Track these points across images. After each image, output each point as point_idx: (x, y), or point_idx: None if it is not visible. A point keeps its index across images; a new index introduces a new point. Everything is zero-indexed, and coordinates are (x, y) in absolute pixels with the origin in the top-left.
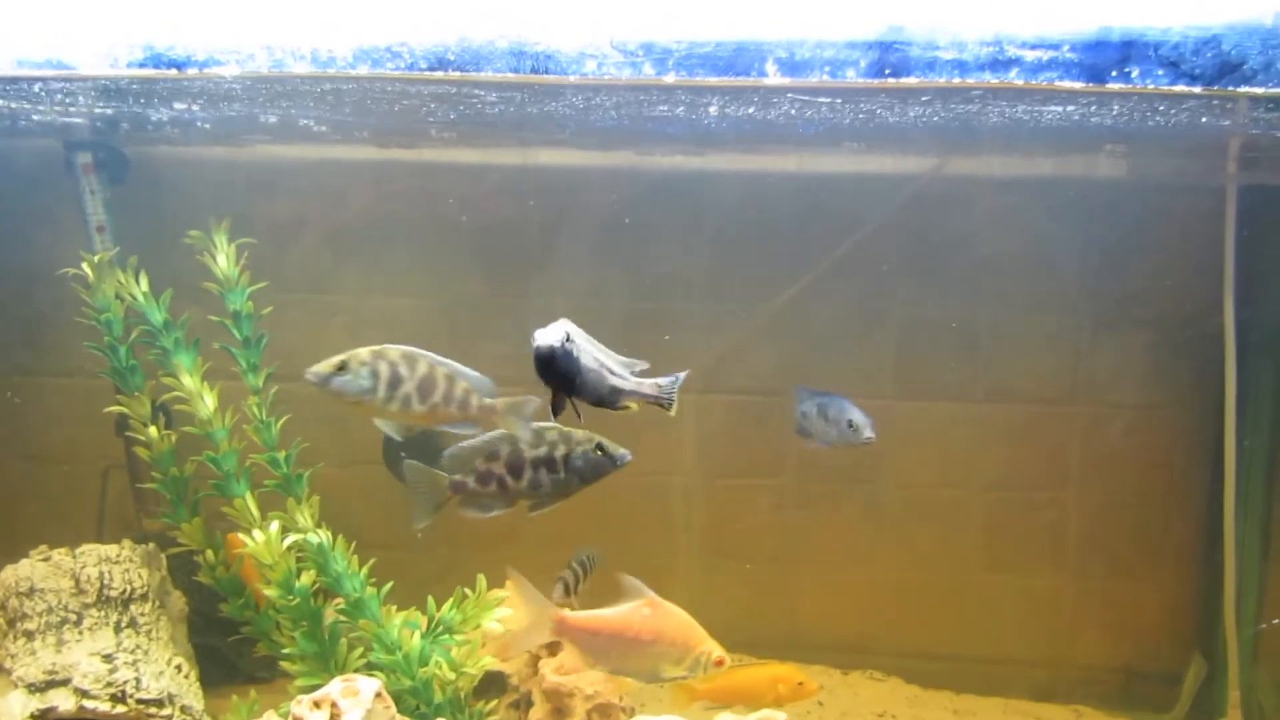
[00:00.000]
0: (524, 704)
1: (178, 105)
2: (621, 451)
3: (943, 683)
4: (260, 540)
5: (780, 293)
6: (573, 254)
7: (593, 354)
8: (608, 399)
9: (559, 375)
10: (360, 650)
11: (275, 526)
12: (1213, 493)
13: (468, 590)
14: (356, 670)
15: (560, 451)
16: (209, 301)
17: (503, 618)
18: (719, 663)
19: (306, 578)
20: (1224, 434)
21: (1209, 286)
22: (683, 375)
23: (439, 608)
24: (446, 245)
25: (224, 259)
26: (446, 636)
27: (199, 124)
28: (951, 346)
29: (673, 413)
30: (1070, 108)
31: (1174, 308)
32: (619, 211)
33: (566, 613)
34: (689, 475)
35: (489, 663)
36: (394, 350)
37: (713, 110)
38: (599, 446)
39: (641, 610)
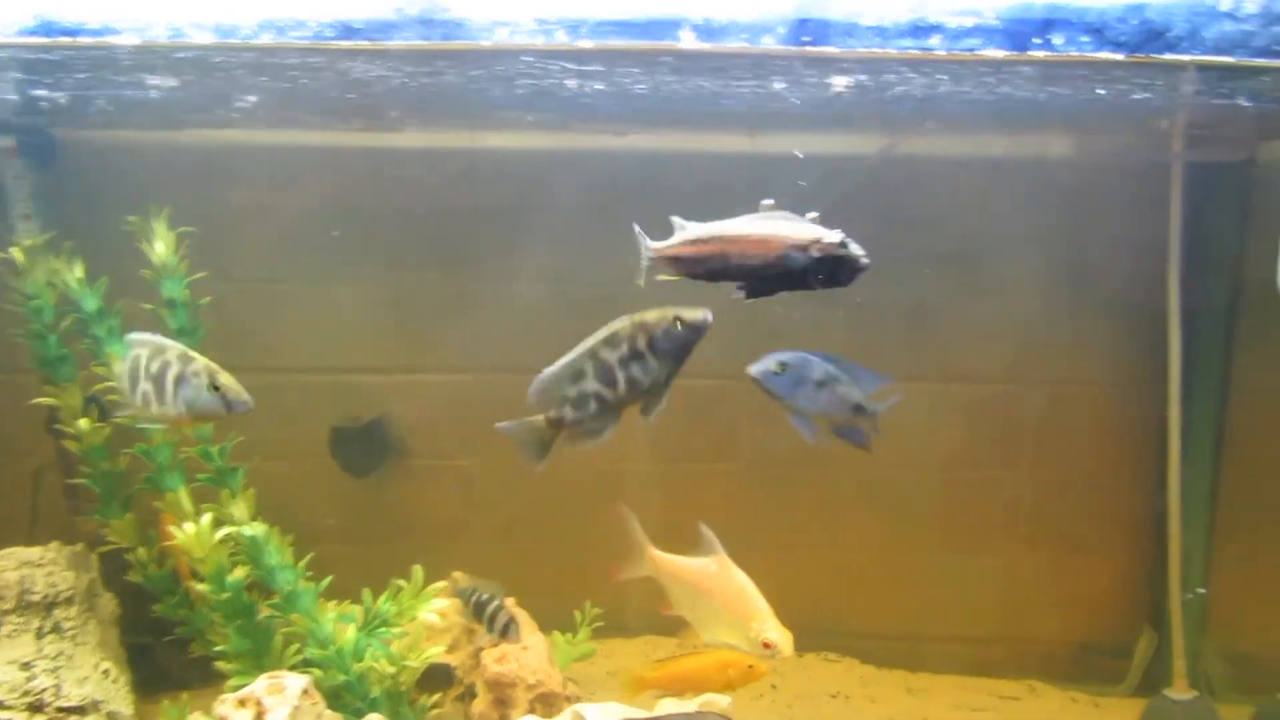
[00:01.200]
0: (468, 696)
1: (92, 82)
2: (700, 315)
3: (898, 662)
4: (191, 532)
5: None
6: (527, 239)
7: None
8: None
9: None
10: (296, 647)
11: (207, 519)
12: (1160, 468)
13: (403, 582)
14: (292, 667)
15: (642, 341)
16: (143, 291)
17: (440, 609)
18: (766, 645)
19: (239, 572)
20: (1168, 412)
21: (1156, 266)
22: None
23: (378, 601)
24: (396, 232)
25: (161, 246)
26: (384, 630)
27: (130, 105)
28: (904, 327)
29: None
30: (1015, 89)
31: (1123, 287)
32: (575, 195)
33: (656, 551)
34: (642, 462)
35: (432, 655)
36: None
37: (644, 86)
38: (676, 318)
39: (710, 566)
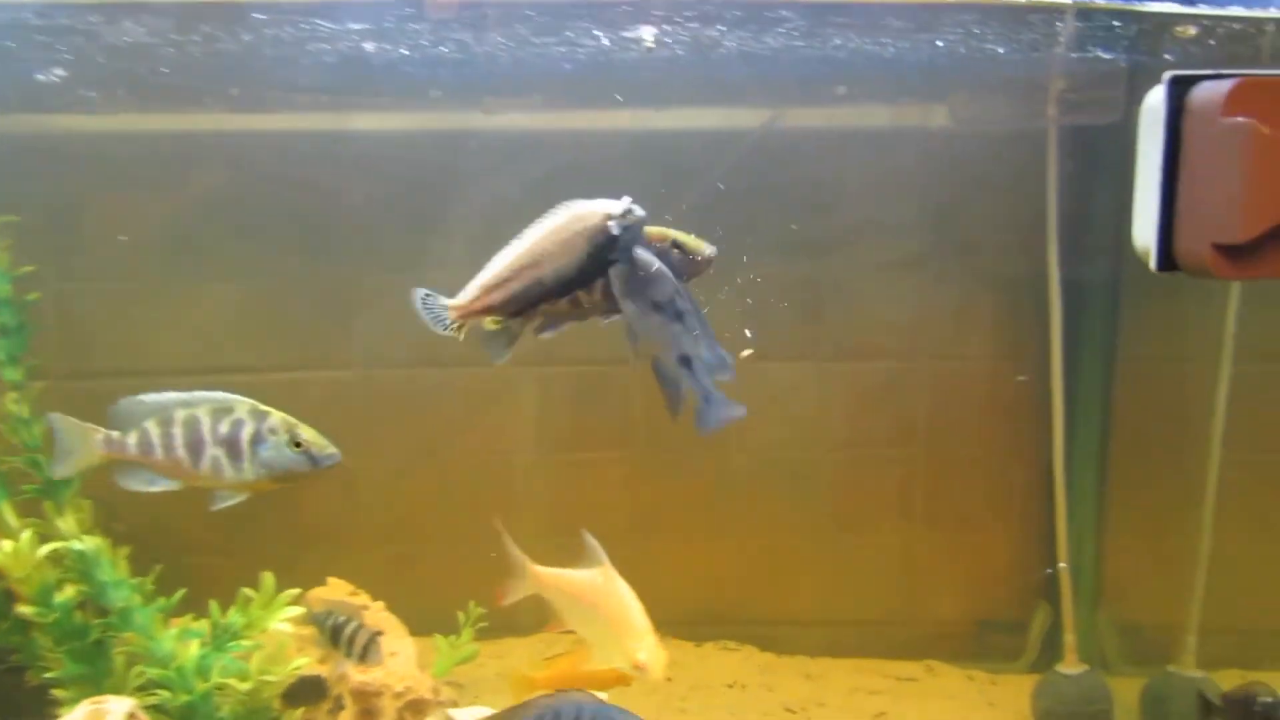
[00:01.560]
0: (338, 708)
1: None
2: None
3: (796, 649)
4: (9, 550)
5: None
6: (402, 227)
7: None
8: None
9: None
10: (140, 668)
11: (26, 535)
12: (1050, 443)
13: (252, 593)
14: (137, 689)
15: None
16: None
17: (293, 618)
18: (637, 666)
19: (68, 591)
20: (1051, 385)
21: (1038, 237)
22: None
23: (231, 612)
24: (260, 223)
25: None
26: (234, 644)
27: None
28: (796, 305)
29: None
30: (886, 43)
31: (1007, 259)
32: (453, 178)
33: (538, 567)
34: (530, 453)
35: (297, 667)
36: None
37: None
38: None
39: (595, 579)
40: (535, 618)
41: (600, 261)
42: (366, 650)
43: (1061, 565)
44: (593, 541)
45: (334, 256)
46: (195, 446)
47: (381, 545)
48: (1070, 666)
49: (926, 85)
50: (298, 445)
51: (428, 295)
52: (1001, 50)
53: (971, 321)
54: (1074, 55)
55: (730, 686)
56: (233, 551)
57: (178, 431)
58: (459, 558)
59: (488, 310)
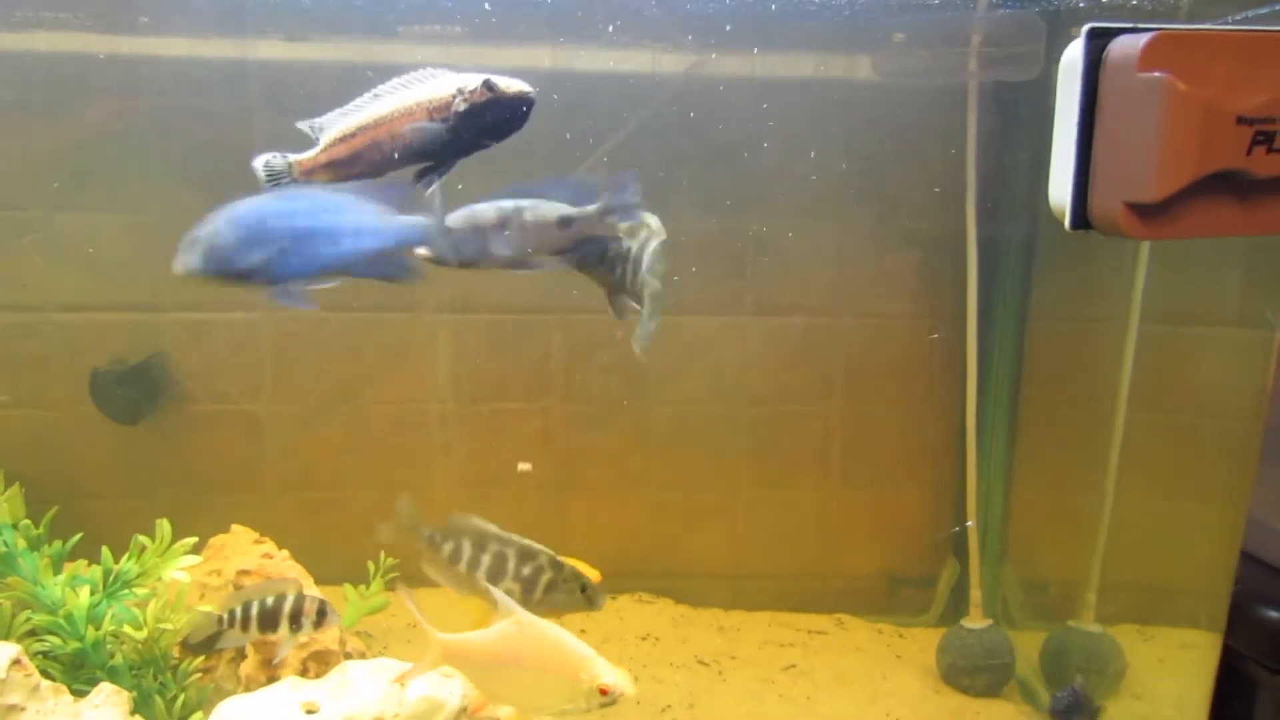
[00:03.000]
0: (241, 657)
1: None
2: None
3: (712, 601)
4: None
5: None
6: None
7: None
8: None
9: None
10: (27, 615)
11: None
12: (963, 399)
13: (146, 540)
14: (26, 635)
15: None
16: None
17: (188, 566)
18: (604, 692)
19: None
20: (966, 343)
21: (958, 195)
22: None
23: (126, 559)
24: (154, 154)
25: None
26: (128, 592)
27: None
28: (717, 259)
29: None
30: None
31: (931, 219)
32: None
33: (448, 637)
34: (446, 402)
35: (194, 615)
36: None
37: None
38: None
39: (509, 630)
40: None
41: (450, 139)
42: (322, 616)
43: (969, 523)
44: (501, 594)
45: (237, 193)
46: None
47: (289, 492)
48: (974, 621)
49: (850, 36)
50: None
51: (270, 158)
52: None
53: (891, 278)
54: (995, 8)
55: (644, 639)
56: (131, 496)
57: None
58: (370, 506)
59: (331, 166)
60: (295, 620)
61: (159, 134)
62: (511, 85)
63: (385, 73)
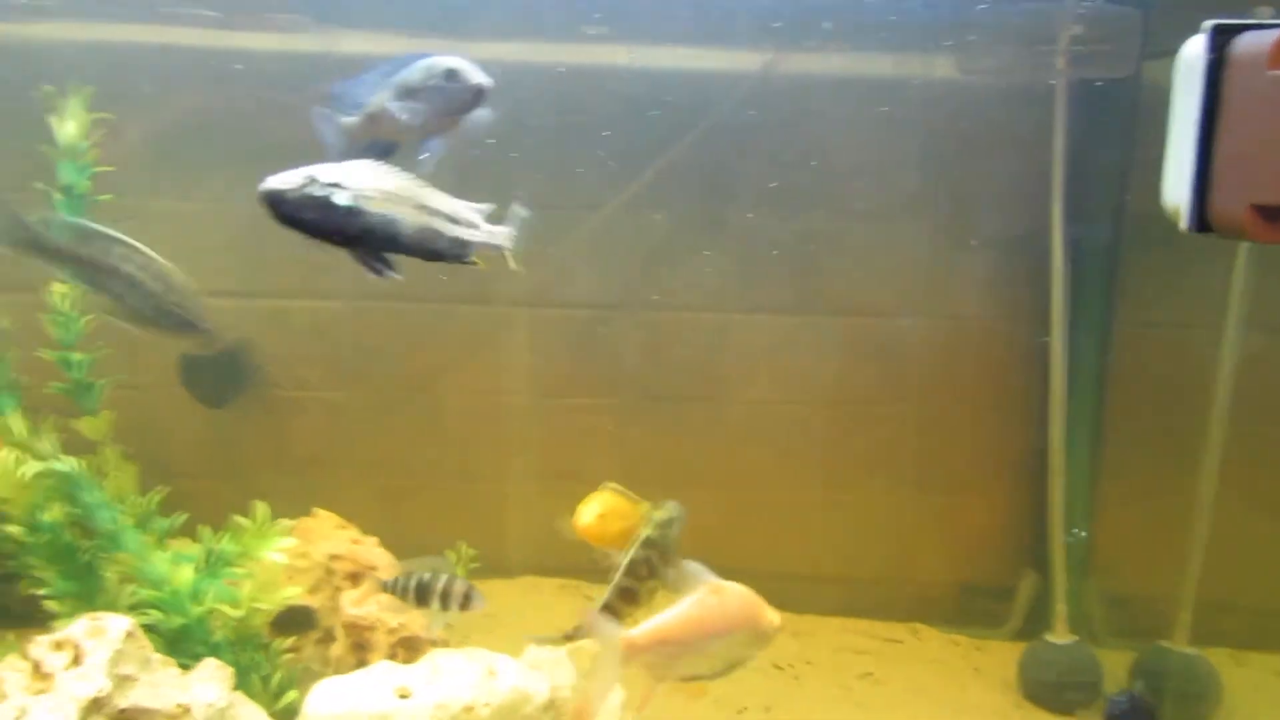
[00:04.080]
0: (329, 639)
1: None
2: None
3: (783, 604)
4: None
5: (611, 199)
6: (386, 156)
7: (420, 203)
8: (440, 250)
9: (302, 225)
10: (133, 588)
11: (7, 454)
12: (1044, 404)
13: (244, 520)
14: (130, 609)
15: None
16: None
17: (287, 548)
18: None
19: (55, 511)
20: (1051, 347)
21: (1040, 194)
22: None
23: (225, 539)
24: (250, 145)
25: (74, 126)
26: (226, 571)
27: None
28: (791, 258)
29: (513, 265)
30: None
31: (1010, 218)
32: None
33: (632, 632)
34: (522, 395)
35: (289, 597)
36: None
37: None
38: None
39: (708, 600)
40: (523, 560)
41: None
42: (468, 599)
43: (1079, 532)
44: (695, 566)
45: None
46: None
47: (367, 478)
48: (1059, 636)
49: (930, 33)
50: None
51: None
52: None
53: (967, 279)
54: (1085, 5)
55: None
56: (213, 476)
57: None
58: (447, 495)
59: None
60: (444, 600)
61: (248, 124)
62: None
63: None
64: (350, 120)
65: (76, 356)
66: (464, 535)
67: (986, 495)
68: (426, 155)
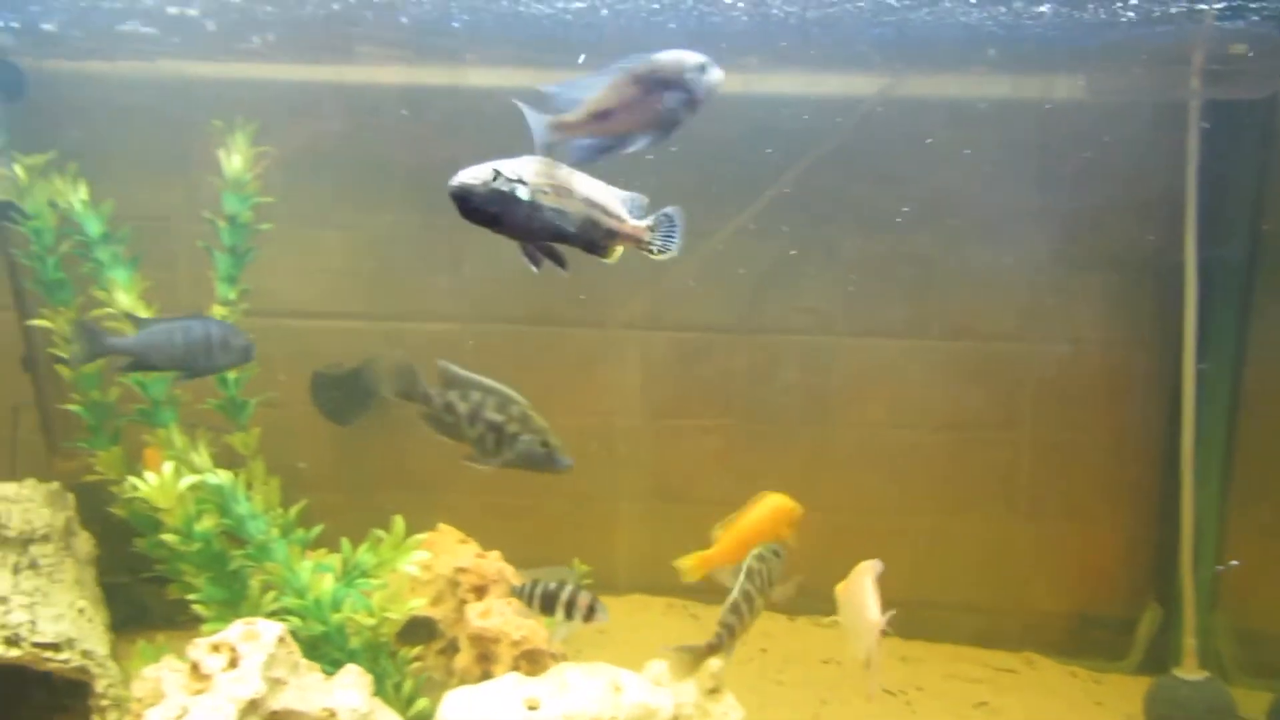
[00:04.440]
0: (452, 650)
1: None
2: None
3: (892, 629)
4: (154, 483)
5: (726, 223)
6: None
7: (582, 194)
8: (595, 241)
9: (488, 218)
10: (274, 594)
11: (169, 468)
12: (1171, 433)
13: (383, 533)
14: (270, 615)
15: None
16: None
17: (420, 560)
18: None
19: (207, 521)
20: (1183, 372)
21: (1171, 217)
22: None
23: (358, 551)
24: (375, 174)
25: (239, 159)
26: (363, 581)
27: (102, 34)
28: (905, 281)
29: (658, 255)
30: (1020, 4)
31: (1134, 240)
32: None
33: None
34: (633, 416)
35: (415, 608)
36: None
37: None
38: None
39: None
40: (631, 578)
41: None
42: (592, 611)
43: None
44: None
45: (448, 211)
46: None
47: (480, 495)
48: (1189, 672)
49: (1057, 57)
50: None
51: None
52: (1142, 19)
53: (1087, 302)
54: (1222, 26)
55: (826, 663)
56: (345, 491)
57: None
58: (559, 514)
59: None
60: (568, 609)
61: (375, 155)
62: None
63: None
64: (568, 117)
65: (233, 375)
66: (574, 553)
67: (1106, 525)
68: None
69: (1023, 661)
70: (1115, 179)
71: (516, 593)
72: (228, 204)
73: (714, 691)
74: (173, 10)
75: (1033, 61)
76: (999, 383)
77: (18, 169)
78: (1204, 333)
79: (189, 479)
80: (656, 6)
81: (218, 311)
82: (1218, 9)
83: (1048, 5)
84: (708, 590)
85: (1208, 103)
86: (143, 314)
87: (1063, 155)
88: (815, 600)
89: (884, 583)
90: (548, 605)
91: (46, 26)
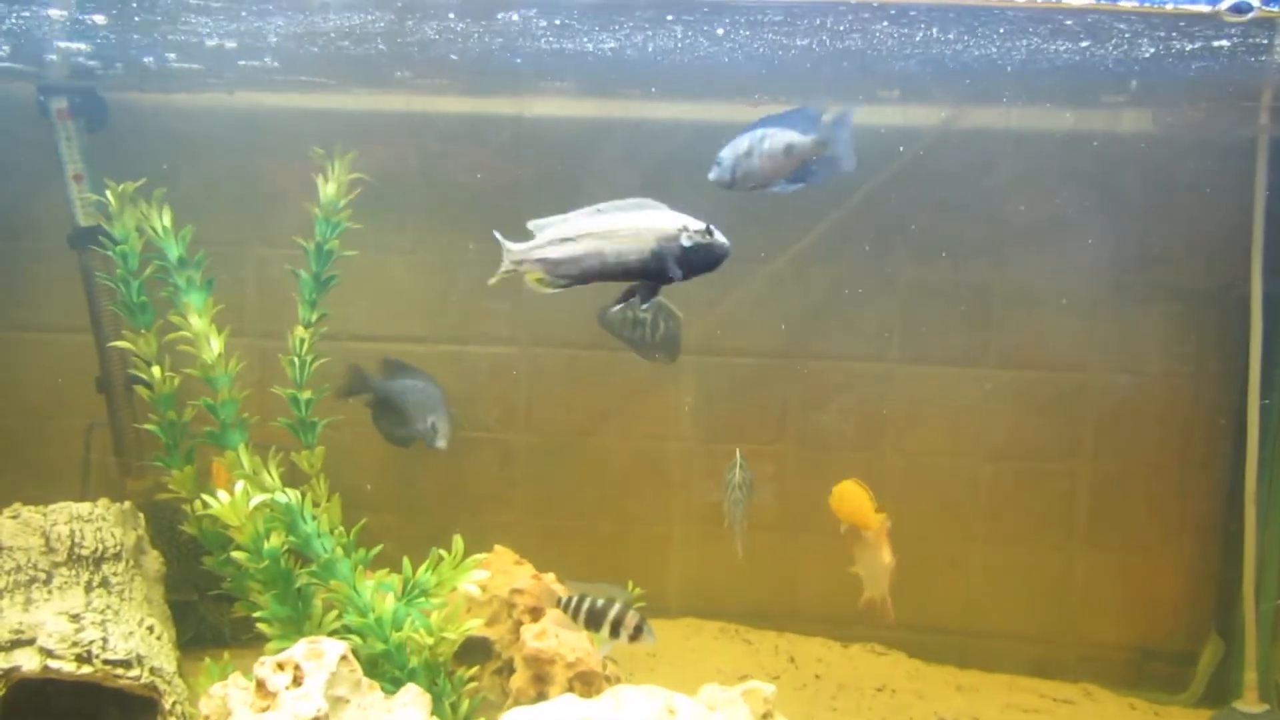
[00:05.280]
0: (507, 670)
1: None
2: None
3: (946, 658)
4: (225, 502)
5: (782, 251)
6: (567, 209)
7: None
8: None
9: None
10: (336, 613)
11: (241, 487)
12: (1234, 466)
13: (443, 553)
14: (331, 633)
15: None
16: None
17: (479, 580)
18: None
19: (275, 539)
20: (1247, 405)
21: (1235, 250)
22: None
23: (418, 570)
24: (437, 201)
25: (333, 187)
26: (423, 600)
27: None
28: (962, 309)
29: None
30: (1087, 43)
31: (1198, 273)
32: (616, 164)
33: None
34: (686, 440)
35: (471, 628)
36: None
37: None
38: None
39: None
40: (683, 601)
41: (657, 264)
42: (639, 631)
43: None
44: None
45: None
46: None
47: (534, 518)
48: (1250, 705)
49: (1122, 89)
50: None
51: (501, 236)
52: (1210, 57)
53: (1150, 334)
54: None
55: (879, 690)
56: (401, 511)
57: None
58: (612, 535)
59: (545, 263)
60: (615, 628)
61: (430, 181)
62: (719, 237)
63: (656, 126)
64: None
65: (305, 395)
66: (627, 575)
67: (1165, 557)
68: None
69: (1080, 693)
70: (1179, 210)
71: (561, 604)
72: (319, 231)
73: (767, 716)
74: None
75: (1099, 95)
76: (1058, 413)
77: (109, 195)
78: (1268, 366)
79: (258, 498)
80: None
81: (299, 333)
82: None
83: (1113, 42)
84: (758, 614)
85: (1275, 138)
86: (214, 339)
87: (1126, 185)
88: (872, 629)
89: (938, 611)
90: (593, 621)
91: (147, 60)
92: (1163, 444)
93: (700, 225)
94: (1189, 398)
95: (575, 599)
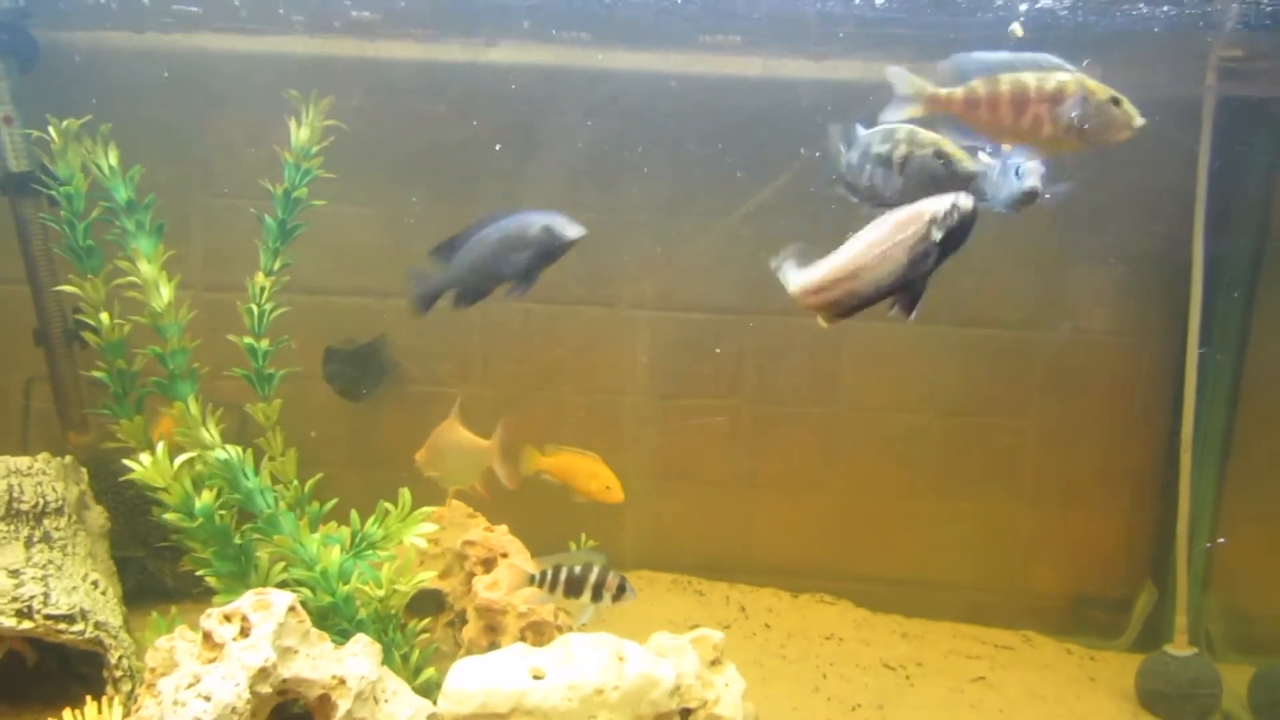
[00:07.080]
0: (459, 622)
1: None
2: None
3: (893, 607)
4: (147, 463)
5: (738, 207)
6: (524, 164)
7: None
8: None
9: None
10: (283, 565)
11: (161, 447)
12: (1172, 421)
13: (390, 506)
14: (280, 586)
15: None
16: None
17: (427, 533)
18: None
19: (206, 497)
20: (1186, 361)
21: (1181, 211)
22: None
23: (365, 523)
24: (396, 154)
25: (307, 131)
26: (371, 553)
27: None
28: None
29: None
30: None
31: (1143, 233)
32: (576, 117)
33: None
34: (640, 395)
35: (422, 580)
36: None
37: None
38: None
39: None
40: (637, 554)
41: (920, 265)
42: (622, 590)
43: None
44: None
45: (460, 190)
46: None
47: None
48: (1180, 648)
49: (1072, 47)
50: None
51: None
52: (1159, 13)
53: (1095, 293)
54: (1242, 21)
55: (828, 638)
56: (356, 465)
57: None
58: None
59: (826, 303)
60: (597, 591)
61: (392, 134)
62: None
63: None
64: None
65: (263, 345)
66: (580, 529)
67: (1104, 509)
68: None
69: (1021, 639)
70: (1126, 172)
71: (535, 581)
72: (288, 175)
73: (715, 663)
74: None
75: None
76: (1006, 370)
77: (52, 131)
78: (1208, 324)
79: (183, 456)
80: None
81: (260, 280)
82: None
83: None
84: (711, 567)
85: (1222, 99)
86: (164, 286)
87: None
88: (821, 580)
89: (885, 562)
90: (574, 589)
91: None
92: (1107, 400)
93: (944, 205)
94: (1133, 356)
95: (550, 571)
